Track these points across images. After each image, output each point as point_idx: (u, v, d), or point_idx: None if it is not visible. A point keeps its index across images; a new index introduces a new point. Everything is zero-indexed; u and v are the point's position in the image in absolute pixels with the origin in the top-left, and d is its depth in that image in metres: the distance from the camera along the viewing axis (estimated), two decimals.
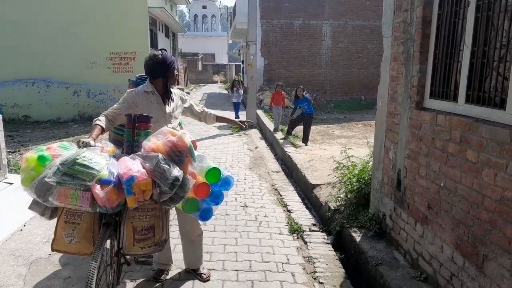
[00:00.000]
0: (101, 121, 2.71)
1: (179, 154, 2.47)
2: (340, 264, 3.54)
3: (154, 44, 15.70)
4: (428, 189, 3.04)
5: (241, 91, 13.93)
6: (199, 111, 3.37)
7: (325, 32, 19.16)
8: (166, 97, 3.01)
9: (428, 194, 3.04)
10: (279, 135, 10.05)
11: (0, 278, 3.14)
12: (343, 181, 4.70)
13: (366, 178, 4.46)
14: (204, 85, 37.08)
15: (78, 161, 2.16)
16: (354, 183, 4.50)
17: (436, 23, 3.07)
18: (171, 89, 3.11)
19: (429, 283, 3.00)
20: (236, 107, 13.61)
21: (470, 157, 2.54)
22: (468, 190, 2.55)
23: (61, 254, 3.39)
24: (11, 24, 12.53)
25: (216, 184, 2.84)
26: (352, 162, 4.86)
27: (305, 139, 9.40)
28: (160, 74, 2.95)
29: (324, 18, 19.04)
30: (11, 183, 5.13)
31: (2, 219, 4.13)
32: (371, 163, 4.52)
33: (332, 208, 4.62)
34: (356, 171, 4.63)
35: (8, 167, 5.54)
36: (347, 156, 4.91)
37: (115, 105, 2.92)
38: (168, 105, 3.03)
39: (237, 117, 12.34)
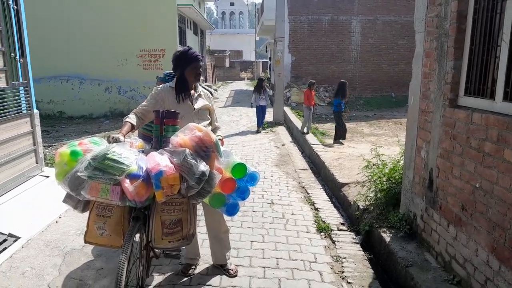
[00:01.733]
0: (131, 118, 2.76)
1: (206, 149, 2.48)
2: (369, 264, 3.47)
3: (182, 41, 15.90)
4: (462, 190, 2.93)
5: (270, 92, 11.86)
6: (215, 124, 3.26)
7: (354, 28, 18.83)
8: (179, 91, 2.97)
9: (462, 195, 2.93)
10: (311, 138, 9.24)
11: (37, 267, 3.27)
12: (372, 180, 4.61)
13: (397, 177, 4.36)
14: (231, 82, 37.29)
15: (108, 156, 2.21)
16: (384, 182, 4.40)
17: (472, 17, 2.95)
18: (200, 88, 3.12)
19: (462, 287, 2.90)
20: (263, 113, 11.01)
21: (508, 157, 2.42)
22: (506, 191, 2.44)
23: (94, 246, 3.49)
24: (47, 23, 12.99)
25: (242, 180, 2.84)
26: (382, 160, 4.76)
27: (339, 136, 9.24)
28: (178, 69, 2.98)
29: (354, 13, 18.70)
30: (48, 176, 5.33)
31: (39, 211, 4.30)
32: (402, 162, 4.41)
33: (361, 207, 4.54)
34: (386, 170, 4.53)
35: (44, 161, 5.75)
36: (377, 154, 4.81)
37: (144, 103, 2.97)
38: (184, 101, 2.98)
39: (260, 125, 10.94)
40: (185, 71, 2.97)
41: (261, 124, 10.97)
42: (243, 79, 42.42)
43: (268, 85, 11.57)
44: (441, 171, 3.26)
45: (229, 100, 20.33)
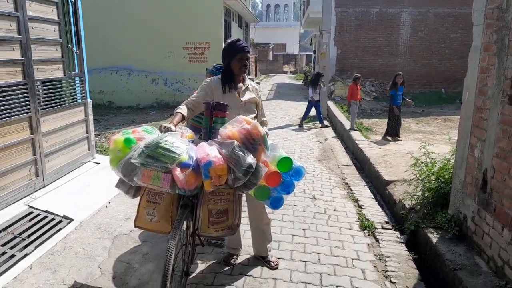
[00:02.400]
0: (182, 109, 2.83)
1: (253, 142, 2.50)
2: (414, 265, 3.37)
3: (228, 34, 16.04)
4: None
5: (324, 88, 11.27)
6: (262, 119, 3.26)
7: (403, 21, 18.12)
8: (225, 82, 3.00)
9: None
10: (355, 134, 9.00)
11: (89, 248, 3.46)
12: (420, 178, 4.45)
13: (446, 176, 4.19)
14: (274, 75, 37.21)
15: (161, 144, 2.28)
16: (433, 181, 4.24)
17: None
18: (248, 81, 3.14)
19: None
20: (317, 108, 10.64)
21: None
22: None
23: (141, 231, 3.64)
24: (98, 16, 13.51)
25: (288, 174, 2.84)
26: (432, 159, 4.58)
27: (392, 133, 8.87)
28: (224, 59, 3.02)
29: (403, 6, 17.99)
30: (98, 163, 5.59)
31: (90, 196, 4.53)
32: (452, 160, 4.22)
33: (407, 206, 4.40)
34: (436, 169, 4.36)
35: (95, 148, 6.04)
36: (426, 152, 4.63)
37: (194, 94, 3.04)
38: (231, 92, 3.00)
39: (321, 121, 10.64)
40: (231, 62, 2.99)
41: (322, 120, 10.65)
42: (285, 72, 42.19)
43: (323, 80, 11.10)
44: (497, 171, 3.09)
45: (271, 93, 20.32)
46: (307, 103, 10.86)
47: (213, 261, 3.31)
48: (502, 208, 2.99)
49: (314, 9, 18.87)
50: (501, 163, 3.03)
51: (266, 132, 3.04)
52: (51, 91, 4.81)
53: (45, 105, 4.65)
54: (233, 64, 2.99)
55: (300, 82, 27.90)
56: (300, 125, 10.41)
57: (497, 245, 3.03)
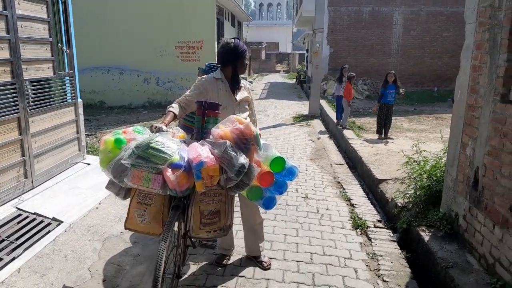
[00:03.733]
0: (174, 108, 2.80)
1: (246, 142, 2.48)
2: (406, 263, 3.38)
3: (220, 33, 15.97)
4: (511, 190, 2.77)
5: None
6: (253, 118, 3.27)
7: (396, 20, 18.19)
8: (233, 84, 3.03)
9: (511, 196, 2.78)
10: (347, 133, 8.98)
11: (79, 251, 3.41)
12: (412, 177, 4.46)
13: (438, 175, 4.20)
14: (266, 74, 37.19)
15: (151, 145, 2.25)
16: (425, 180, 4.26)
17: None
18: (241, 80, 3.13)
19: None
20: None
21: None
22: None
23: (132, 233, 3.59)
24: (89, 15, 13.36)
25: (280, 174, 2.82)
26: (424, 157, 4.59)
27: (387, 132, 8.86)
28: (230, 62, 2.99)
29: (396, 4, 18.06)
30: (89, 164, 5.53)
31: (80, 197, 4.47)
32: (444, 159, 4.24)
33: (399, 204, 4.41)
34: (428, 167, 4.37)
35: (86, 149, 5.97)
36: (418, 150, 4.64)
37: (187, 92, 3.01)
38: (235, 94, 3.04)
39: (340, 118, 10.10)
40: (238, 63, 3.00)
41: (341, 117, 10.03)
42: (278, 71, 42.17)
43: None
44: (489, 169, 3.10)
45: (264, 92, 20.29)
46: (300, 102, 10.74)
47: (205, 262, 3.28)
48: (493, 206, 3.00)
49: (307, 7, 18.86)
50: (493, 161, 3.04)
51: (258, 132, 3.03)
52: (40, 91, 4.74)
53: (34, 105, 4.58)
54: (239, 66, 3.01)
55: (293, 81, 27.92)
56: (343, 126, 9.70)
57: (489, 242, 3.04)
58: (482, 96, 3.25)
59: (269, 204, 2.86)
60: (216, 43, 13.47)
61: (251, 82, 24.64)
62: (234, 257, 3.36)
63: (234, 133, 2.46)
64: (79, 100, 5.63)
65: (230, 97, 3.01)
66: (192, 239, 2.68)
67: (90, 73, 14.15)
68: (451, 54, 17.63)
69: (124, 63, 14.29)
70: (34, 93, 4.62)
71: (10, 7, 4.08)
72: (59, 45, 5.13)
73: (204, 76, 3.08)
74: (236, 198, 3.20)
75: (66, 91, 5.35)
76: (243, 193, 2.76)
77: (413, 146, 4.78)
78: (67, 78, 5.35)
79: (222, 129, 2.48)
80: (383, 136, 8.75)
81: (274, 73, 39.62)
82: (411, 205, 4.27)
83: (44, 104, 4.77)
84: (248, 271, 3.16)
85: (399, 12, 18.12)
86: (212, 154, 2.33)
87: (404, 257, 3.49)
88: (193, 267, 3.21)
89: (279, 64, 44.48)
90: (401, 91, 8.86)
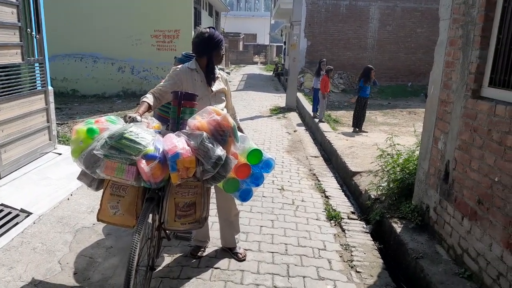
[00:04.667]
0: (148, 98, 2.73)
1: (223, 133, 2.45)
2: (379, 254, 3.45)
3: (197, 22, 15.74)
4: (480, 183, 2.87)
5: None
6: (231, 106, 3.25)
7: (372, 14, 18.41)
8: (208, 75, 2.98)
9: (479, 189, 2.87)
10: (323, 126, 9.06)
11: (48, 243, 3.31)
12: (386, 169, 4.55)
13: (411, 168, 4.30)
14: (244, 66, 37.04)
15: (125, 135, 2.19)
16: (398, 173, 4.35)
17: (502, 5, 2.83)
18: (217, 70, 3.08)
19: (473, 281, 2.86)
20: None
21: None
22: None
23: (104, 224, 3.52)
24: (62, 1, 12.93)
25: (257, 166, 2.81)
26: (397, 150, 4.68)
27: (361, 124, 8.99)
28: (205, 52, 2.94)
29: None
30: (60, 154, 5.37)
31: (51, 188, 4.34)
32: (417, 152, 4.34)
33: (373, 197, 4.50)
34: (401, 160, 4.46)
35: (57, 138, 5.78)
36: (391, 144, 4.73)
37: (161, 83, 2.94)
38: (211, 85, 3.00)
39: (316, 110, 10.37)
40: (214, 54, 2.95)
41: (316, 109, 10.21)
42: (256, 63, 42.08)
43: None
44: (459, 163, 3.19)
45: (242, 84, 20.21)
46: (278, 94, 10.71)
47: (180, 254, 3.25)
48: (462, 198, 3.10)
49: None
50: (463, 155, 3.13)
51: (238, 122, 3.02)
52: (7, 77, 4.54)
53: (1, 92, 4.38)
54: (215, 56, 2.96)
55: (271, 73, 27.91)
56: (319, 119, 9.75)
57: (457, 234, 3.14)
58: (454, 92, 3.33)
59: (245, 196, 2.85)
60: (193, 32, 13.27)
61: (228, 73, 24.46)
62: (210, 249, 3.35)
63: (211, 124, 2.43)
64: (50, 88, 5.44)
65: (205, 87, 2.96)
66: (167, 231, 2.64)
67: (62, 60, 13.70)
68: (425, 49, 18.01)
69: (98, 50, 13.91)
70: (1, 80, 4.42)
71: None
72: (28, 30, 4.92)
73: (179, 66, 3.02)
74: (212, 190, 3.18)
75: (35, 78, 5.15)
76: (220, 185, 2.73)
77: (387, 140, 4.87)
78: (36, 64, 5.15)
79: (199, 120, 2.45)
80: (357, 129, 8.88)
81: (252, 65, 39.50)
82: (384, 197, 4.36)
83: (12, 91, 4.58)
84: (223, 263, 3.15)
85: (376, 7, 18.34)
86: (188, 145, 2.29)
87: (376, 248, 3.57)
88: (167, 259, 3.17)
89: (256, 55, 44.38)
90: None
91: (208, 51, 2.93)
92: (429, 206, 3.67)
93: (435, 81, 3.73)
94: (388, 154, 4.68)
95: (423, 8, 18.15)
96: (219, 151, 2.32)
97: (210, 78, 2.98)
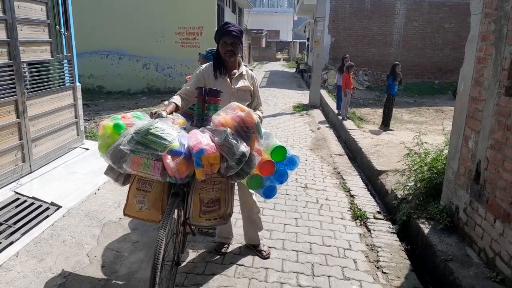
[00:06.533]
0: (175, 99, 2.74)
1: (247, 130, 2.44)
2: (406, 255, 3.37)
3: (221, 19, 15.79)
4: None
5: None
6: (256, 103, 3.15)
7: (398, 10, 18.01)
8: (216, 68, 2.91)
9: None
10: (348, 123, 8.90)
11: (77, 236, 3.39)
12: (413, 169, 4.44)
13: (439, 167, 4.17)
14: (267, 63, 36.97)
15: (151, 131, 2.20)
16: (425, 172, 4.23)
17: None
18: (244, 67, 3.04)
19: (506, 285, 2.76)
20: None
21: None
22: None
23: (130, 219, 3.57)
24: None
25: (281, 163, 2.79)
26: (425, 149, 4.56)
27: (388, 123, 8.83)
28: (217, 43, 2.92)
29: None
30: (87, 149, 5.48)
31: (79, 182, 4.44)
32: (445, 151, 4.21)
33: (399, 196, 4.40)
34: (428, 159, 4.34)
35: (84, 134, 5.91)
36: (419, 142, 4.61)
37: (188, 83, 2.95)
38: (222, 78, 2.91)
39: (339, 107, 10.13)
40: (218, 46, 2.91)
41: (340, 107, 9.96)
42: (279, 60, 41.92)
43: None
44: (491, 163, 3.08)
45: (264, 81, 20.17)
46: (301, 91, 10.60)
47: (204, 250, 3.26)
48: (494, 199, 2.99)
49: None
50: (495, 154, 3.02)
51: (260, 117, 2.97)
52: (38, 73, 4.67)
53: (32, 88, 4.51)
54: (220, 49, 2.90)
55: (293, 70, 27.77)
56: (343, 117, 9.59)
57: (489, 236, 3.03)
58: (486, 89, 3.20)
59: (269, 193, 2.83)
60: (216, 29, 13.31)
61: (251, 69, 24.49)
62: (233, 246, 3.35)
63: (235, 121, 2.41)
64: (78, 84, 5.56)
65: (226, 84, 2.91)
66: (192, 227, 2.65)
67: (89, 57, 14.01)
68: (453, 46, 17.52)
69: (123, 47, 14.15)
70: (31, 76, 4.55)
71: None
72: (57, 27, 5.04)
73: (203, 65, 3.02)
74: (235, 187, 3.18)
75: (64, 75, 5.27)
76: (244, 182, 2.72)
77: (414, 138, 4.75)
78: (65, 61, 5.27)
79: (223, 116, 2.44)
80: (386, 128, 8.71)
81: (274, 62, 39.38)
82: (411, 197, 4.26)
83: (42, 87, 4.70)
84: (247, 260, 3.15)
85: (402, 2, 17.92)
86: (212, 141, 2.29)
87: (403, 249, 3.49)
88: (192, 255, 3.19)
89: (279, 52, 44.21)
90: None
91: (216, 43, 2.92)
92: (459, 207, 3.56)
93: (466, 77, 3.61)
94: (415, 153, 4.57)
95: (451, 2, 17.62)
96: (243, 147, 2.31)
97: (217, 71, 2.91)
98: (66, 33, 5.22)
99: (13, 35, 4.10)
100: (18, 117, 4.22)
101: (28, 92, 4.39)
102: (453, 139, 3.82)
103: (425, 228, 3.63)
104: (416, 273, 3.12)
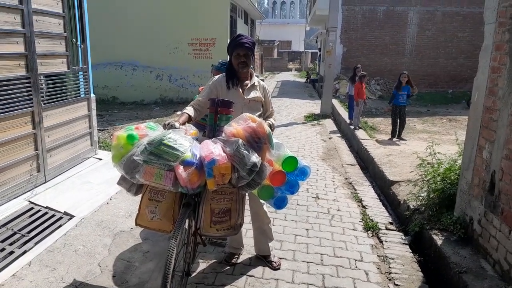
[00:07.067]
0: (188, 110, 2.79)
1: (258, 140, 2.45)
2: (418, 267, 3.32)
3: (233, 30, 15.94)
4: None
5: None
6: (269, 112, 3.20)
7: (411, 19, 17.97)
8: (229, 79, 2.97)
9: None
10: (360, 133, 8.92)
11: (89, 246, 3.42)
12: (425, 179, 4.38)
13: (453, 177, 4.12)
14: (278, 73, 37.09)
15: (164, 141, 2.23)
16: (438, 182, 4.17)
17: None
18: (256, 78, 3.08)
19: None
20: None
21: None
22: None
23: (142, 229, 3.59)
24: (103, 11, 13.45)
25: (292, 173, 2.79)
26: (438, 159, 4.51)
27: (400, 133, 8.77)
28: (229, 55, 2.97)
29: (411, 4, 17.84)
30: (101, 159, 5.56)
31: (92, 192, 4.49)
32: (459, 161, 4.16)
33: (412, 207, 4.34)
34: (441, 170, 4.29)
35: (98, 144, 6.00)
36: (432, 152, 4.56)
37: (201, 94, 3.00)
38: (235, 89, 2.96)
39: (351, 117, 10.09)
40: (231, 58, 2.97)
41: (352, 117, 9.92)
42: (290, 70, 42.04)
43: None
44: (506, 174, 3.03)
45: (276, 91, 20.23)
46: (312, 101, 10.61)
47: (215, 261, 3.26)
48: (510, 211, 2.93)
49: (320, 6, 18.73)
50: (510, 165, 2.97)
51: (272, 123, 2.98)
52: (54, 85, 4.78)
53: (48, 99, 4.61)
54: (233, 61, 2.95)
55: (304, 80, 27.83)
56: (355, 126, 9.55)
57: (504, 248, 2.97)
58: (501, 98, 3.17)
59: (280, 203, 2.83)
60: (228, 40, 13.44)
61: (262, 80, 24.59)
62: (244, 256, 3.34)
63: (246, 131, 2.43)
64: (92, 95, 5.66)
65: (238, 94, 2.96)
66: (202, 237, 2.66)
67: (103, 69, 14.26)
68: (466, 55, 17.38)
69: (137, 59, 14.38)
70: (48, 88, 4.66)
71: (25, 1, 4.11)
72: (74, 40, 5.16)
73: (216, 76, 3.07)
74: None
75: (79, 86, 5.38)
76: (255, 192, 2.73)
77: (427, 148, 4.70)
78: (81, 73, 5.38)
79: (235, 127, 2.46)
80: (395, 137, 8.64)
81: (286, 72, 39.49)
82: (423, 208, 4.20)
83: (58, 99, 4.81)
84: (258, 271, 3.14)
85: (415, 11, 17.90)
86: (224, 152, 2.31)
87: (416, 260, 3.43)
88: (202, 265, 3.19)
89: (291, 62, 44.36)
90: (412, 91, 8.73)
91: (229, 55, 2.97)
92: (473, 218, 3.50)
93: (479, 87, 3.57)
94: (428, 163, 4.52)
95: (465, 12, 17.53)
96: (254, 158, 2.32)
97: (229, 82, 2.96)
98: (82, 45, 5.34)
99: (31, 48, 4.22)
100: (34, 127, 4.31)
101: (44, 104, 4.49)
102: (467, 149, 3.77)
103: (438, 239, 3.57)
104: (429, 286, 3.07)
